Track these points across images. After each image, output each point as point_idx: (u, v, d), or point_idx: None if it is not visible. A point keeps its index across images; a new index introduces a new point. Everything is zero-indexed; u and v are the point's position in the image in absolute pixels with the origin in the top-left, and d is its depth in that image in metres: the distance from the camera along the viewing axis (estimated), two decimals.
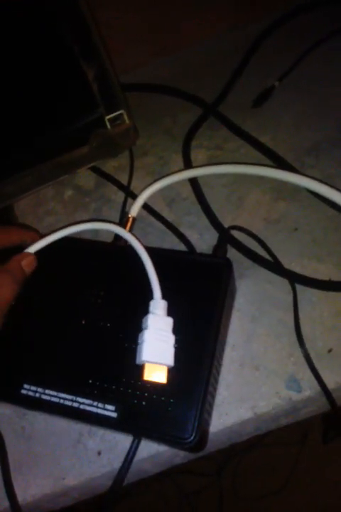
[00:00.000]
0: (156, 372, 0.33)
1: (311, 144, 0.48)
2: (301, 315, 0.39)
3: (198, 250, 0.44)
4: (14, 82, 0.39)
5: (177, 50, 0.59)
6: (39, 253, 0.40)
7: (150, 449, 0.38)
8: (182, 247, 0.45)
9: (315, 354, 0.37)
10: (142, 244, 0.39)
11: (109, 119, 0.42)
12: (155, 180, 0.47)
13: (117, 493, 0.36)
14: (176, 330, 0.35)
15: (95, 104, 0.41)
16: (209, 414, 0.36)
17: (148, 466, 0.39)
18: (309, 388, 0.37)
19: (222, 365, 0.39)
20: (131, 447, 0.36)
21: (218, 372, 0.38)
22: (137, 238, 0.40)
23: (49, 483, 0.38)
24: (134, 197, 0.49)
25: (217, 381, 0.37)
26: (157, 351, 0.33)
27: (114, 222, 0.44)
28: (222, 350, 0.38)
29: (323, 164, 0.47)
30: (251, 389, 0.38)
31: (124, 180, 0.52)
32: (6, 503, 0.38)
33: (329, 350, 0.38)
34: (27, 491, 0.39)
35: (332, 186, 0.42)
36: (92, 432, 0.39)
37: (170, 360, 0.33)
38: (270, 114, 0.52)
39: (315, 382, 0.36)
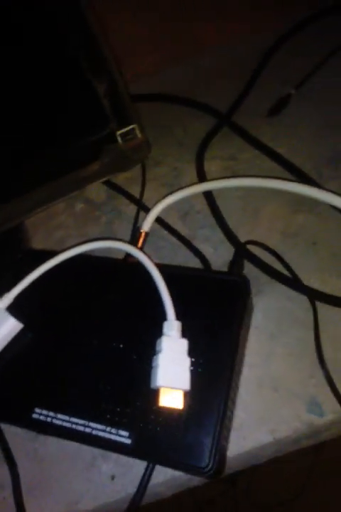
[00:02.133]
0: (172, 397, 0.32)
1: (330, 154, 0.47)
2: (322, 334, 0.37)
3: (213, 264, 0.43)
4: (24, 99, 0.38)
5: (188, 57, 0.57)
6: (50, 272, 0.39)
7: (165, 474, 0.36)
8: (196, 261, 0.44)
9: (337, 376, 0.35)
10: (154, 262, 0.38)
11: (120, 134, 0.41)
12: (168, 194, 0.45)
13: None
14: (191, 351, 0.33)
15: (106, 120, 0.40)
16: (227, 439, 0.35)
17: (163, 490, 0.38)
18: (332, 412, 0.35)
19: (240, 386, 0.37)
20: (145, 473, 0.35)
21: (235, 395, 0.36)
22: (149, 257, 0.39)
23: (62, 508, 0.37)
24: (146, 210, 0.48)
25: (234, 404, 0.36)
26: (172, 375, 0.32)
27: (124, 241, 0.43)
28: (240, 372, 0.37)
29: None
30: (271, 411, 0.36)
31: (136, 192, 0.51)
32: None
33: None
34: None
35: None
36: (106, 455, 0.38)
37: (186, 384, 0.32)
38: (286, 123, 0.50)
39: (337, 406, 0.35)
